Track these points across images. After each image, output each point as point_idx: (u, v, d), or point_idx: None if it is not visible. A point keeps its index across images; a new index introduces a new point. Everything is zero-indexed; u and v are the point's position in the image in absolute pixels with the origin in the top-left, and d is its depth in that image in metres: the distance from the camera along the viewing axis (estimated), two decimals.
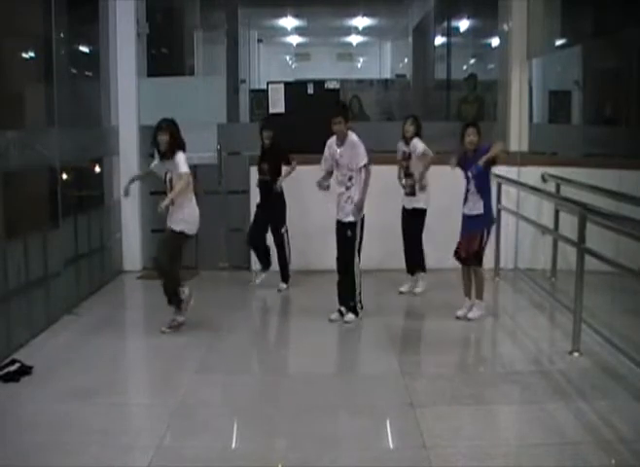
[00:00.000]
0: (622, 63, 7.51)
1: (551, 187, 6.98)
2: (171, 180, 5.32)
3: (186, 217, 5.39)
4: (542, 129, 8.08)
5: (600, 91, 8.08)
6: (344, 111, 5.76)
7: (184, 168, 5.26)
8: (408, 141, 6.37)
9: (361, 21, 13.44)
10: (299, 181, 6.58)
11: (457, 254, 5.67)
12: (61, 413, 4.04)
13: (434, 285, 6.64)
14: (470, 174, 5.52)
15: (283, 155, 6.55)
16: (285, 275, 6.70)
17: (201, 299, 6.46)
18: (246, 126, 8.68)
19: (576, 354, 4.88)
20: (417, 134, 6.37)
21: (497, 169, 7.27)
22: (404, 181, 6.42)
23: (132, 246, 7.51)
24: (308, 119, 6.80)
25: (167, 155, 5.30)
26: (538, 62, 8.01)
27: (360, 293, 5.68)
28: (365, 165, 5.52)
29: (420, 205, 6.38)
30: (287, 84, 7.78)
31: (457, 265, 5.70)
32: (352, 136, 5.58)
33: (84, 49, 7.39)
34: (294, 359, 5.08)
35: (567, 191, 6.56)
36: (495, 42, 9.06)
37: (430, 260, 6.84)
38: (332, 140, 5.67)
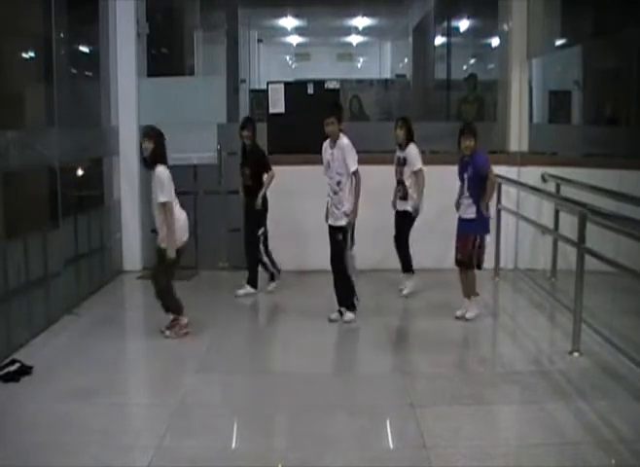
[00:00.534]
0: (622, 63, 7.51)
1: (551, 187, 6.98)
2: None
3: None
4: (542, 129, 8.08)
5: (600, 91, 8.08)
6: (338, 111, 5.69)
7: (165, 197, 5.11)
8: (402, 147, 6.33)
9: (361, 21, 13.44)
10: (297, 181, 6.58)
11: (456, 259, 5.68)
12: (61, 413, 4.04)
13: (433, 285, 6.64)
14: (465, 177, 5.53)
15: (263, 162, 6.42)
16: (272, 275, 6.64)
17: (201, 299, 6.49)
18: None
19: (576, 354, 4.88)
20: (411, 138, 6.31)
21: (497, 169, 7.27)
22: (396, 188, 6.43)
23: (132, 246, 7.52)
24: (308, 119, 6.79)
25: (150, 165, 5.21)
26: (538, 62, 8.00)
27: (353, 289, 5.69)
28: (354, 172, 5.46)
29: (409, 208, 6.33)
30: (287, 84, 7.77)
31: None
32: (343, 139, 5.53)
33: (84, 49, 7.40)
34: (294, 359, 5.07)
35: (567, 191, 6.56)
36: (495, 42, 9.06)
37: (429, 260, 6.86)
38: (326, 143, 5.63)
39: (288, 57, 15.03)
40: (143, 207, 7.47)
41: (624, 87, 7.34)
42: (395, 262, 6.55)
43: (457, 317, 5.67)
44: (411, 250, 6.46)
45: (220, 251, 7.56)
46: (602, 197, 5.74)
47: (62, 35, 6.23)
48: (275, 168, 6.48)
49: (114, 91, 7.30)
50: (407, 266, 6.50)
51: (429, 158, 7.63)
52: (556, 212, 6.65)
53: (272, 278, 6.67)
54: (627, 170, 6.10)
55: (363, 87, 11.45)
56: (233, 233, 7.42)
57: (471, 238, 5.53)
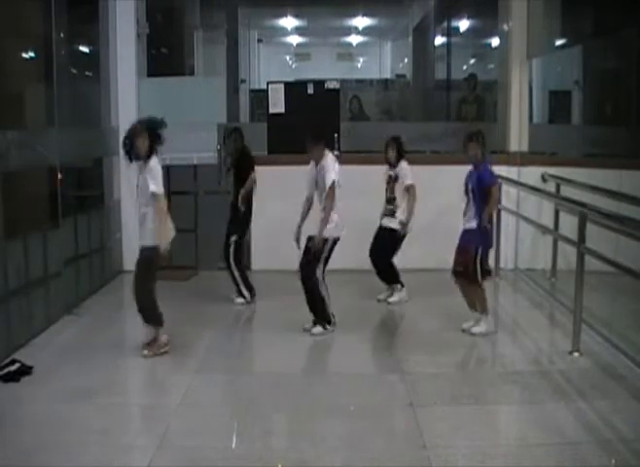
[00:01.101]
0: (622, 63, 7.51)
1: (551, 187, 6.97)
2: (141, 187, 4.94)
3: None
4: (542, 129, 8.08)
5: (600, 91, 8.08)
6: (320, 136, 5.45)
7: (157, 188, 4.84)
8: (393, 165, 6.13)
9: (361, 21, 13.45)
10: (298, 181, 6.56)
11: (453, 270, 5.39)
12: (61, 413, 4.04)
13: (433, 286, 6.63)
14: (469, 187, 5.30)
15: (245, 170, 6.22)
16: (238, 290, 6.29)
17: (201, 299, 6.49)
18: (246, 126, 8.68)
19: (576, 354, 4.88)
20: (401, 156, 6.12)
21: (497, 169, 7.27)
22: (385, 206, 6.20)
23: (132, 246, 7.46)
24: (308, 119, 6.79)
25: (144, 158, 4.89)
26: (538, 62, 8.01)
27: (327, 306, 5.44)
28: (330, 185, 5.24)
29: (396, 226, 6.09)
30: (287, 84, 7.78)
31: None
32: (327, 156, 5.35)
33: (84, 49, 7.40)
34: (294, 359, 5.07)
35: (567, 191, 6.55)
36: (495, 42, 9.07)
37: (430, 260, 6.85)
38: (311, 164, 5.48)
39: (288, 57, 15.05)
40: None
41: (624, 87, 7.34)
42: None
43: (463, 330, 5.39)
44: (411, 250, 6.39)
45: (220, 251, 7.55)
46: (602, 197, 5.74)
47: (62, 35, 6.24)
48: (275, 168, 6.48)
49: (114, 91, 7.29)
50: (393, 279, 6.25)
51: (429, 158, 7.65)
52: (556, 212, 6.64)
53: (241, 294, 6.30)
54: (627, 170, 6.10)
55: (363, 87, 11.48)
56: None
57: (469, 251, 5.25)
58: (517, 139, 7.55)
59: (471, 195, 5.30)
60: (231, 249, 6.25)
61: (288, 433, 4.04)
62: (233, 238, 6.25)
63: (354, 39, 14.74)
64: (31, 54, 6.04)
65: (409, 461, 3.51)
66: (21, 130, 5.46)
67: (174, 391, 4.40)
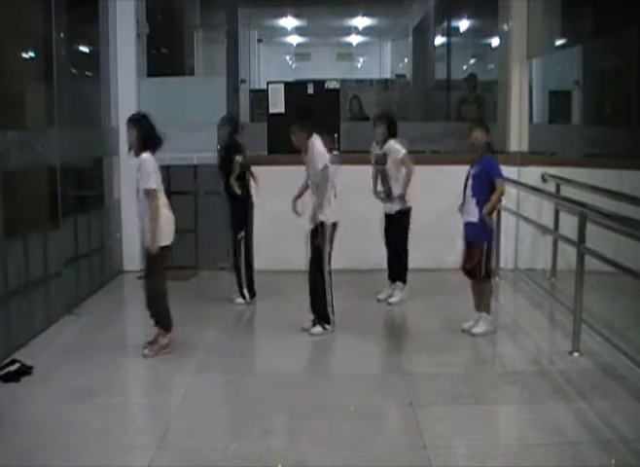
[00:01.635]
0: (622, 63, 7.51)
1: (551, 187, 6.97)
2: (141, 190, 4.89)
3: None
4: (542, 129, 8.08)
5: (600, 91, 8.08)
6: (303, 118, 5.36)
7: (149, 184, 4.81)
8: (382, 144, 5.99)
9: (361, 21, 13.45)
10: (298, 181, 6.56)
11: (463, 267, 5.36)
12: (61, 413, 4.04)
13: (433, 286, 6.64)
14: (471, 173, 5.22)
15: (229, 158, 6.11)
16: (240, 289, 6.23)
17: (201, 299, 6.49)
18: (246, 126, 8.68)
19: (576, 354, 4.88)
20: (392, 135, 5.97)
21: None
22: (379, 187, 6.08)
23: (132, 246, 7.50)
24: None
25: (136, 152, 4.91)
26: (538, 62, 8.01)
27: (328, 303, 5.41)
28: (322, 168, 5.20)
29: (401, 206, 6.00)
30: (287, 84, 7.78)
31: (456, 265, 5.64)
32: (314, 143, 5.27)
33: (84, 49, 7.40)
34: (294, 359, 5.07)
35: (567, 191, 6.55)
36: (495, 42, 9.06)
37: (429, 260, 6.85)
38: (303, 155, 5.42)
39: (288, 57, 15.05)
40: None
41: (624, 87, 7.34)
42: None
43: (463, 330, 5.38)
44: (411, 250, 6.29)
45: (220, 251, 7.55)
46: (602, 197, 5.74)
47: (62, 35, 6.23)
48: (275, 168, 6.47)
49: (114, 91, 7.29)
50: (402, 275, 6.21)
51: (429, 158, 7.65)
52: (556, 212, 6.64)
53: (242, 295, 6.25)
54: (627, 170, 6.10)
55: (363, 87, 11.47)
56: None
57: (477, 250, 5.21)
58: (517, 139, 7.55)
59: (472, 182, 5.17)
60: (242, 246, 6.20)
61: (288, 433, 4.04)
62: (241, 235, 6.18)
63: (354, 39, 14.74)
64: (31, 54, 6.04)
65: (409, 461, 3.51)
66: (21, 130, 5.46)
67: (174, 391, 4.40)
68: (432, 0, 11.40)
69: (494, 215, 5.51)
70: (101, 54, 7.19)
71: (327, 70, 13.09)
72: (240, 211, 6.21)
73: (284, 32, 14.08)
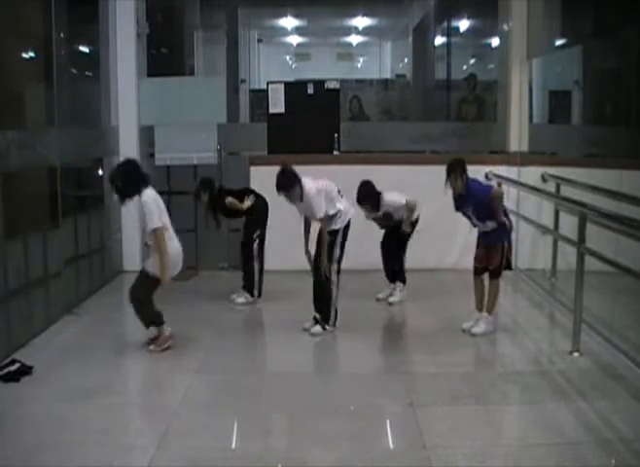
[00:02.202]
0: (621, 63, 7.50)
1: (551, 187, 6.97)
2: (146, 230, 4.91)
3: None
4: (542, 129, 8.08)
5: (600, 91, 8.08)
6: (289, 182, 5.22)
7: (154, 224, 4.84)
8: (375, 212, 6.03)
9: (361, 21, 13.44)
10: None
11: (481, 269, 5.37)
12: (61, 413, 4.04)
13: (433, 286, 6.64)
14: (469, 213, 5.28)
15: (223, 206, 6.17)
16: (249, 287, 6.28)
17: (202, 299, 6.49)
18: (246, 126, 8.69)
19: (576, 354, 4.88)
20: (377, 207, 5.99)
21: (497, 169, 7.30)
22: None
23: (132, 246, 7.51)
24: (308, 119, 6.79)
25: (130, 196, 4.90)
26: (538, 62, 8.00)
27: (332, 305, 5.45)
28: (322, 218, 5.26)
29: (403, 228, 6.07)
30: (287, 84, 7.78)
31: (456, 265, 5.66)
32: (308, 190, 5.23)
33: (84, 49, 7.40)
34: (294, 359, 5.07)
35: (567, 191, 6.55)
36: (495, 42, 9.06)
37: (429, 260, 6.85)
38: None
39: (288, 57, 15.04)
40: None
41: (624, 87, 7.34)
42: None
43: (463, 330, 5.39)
44: (411, 250, 6.31)
45: (220, 251, 7.56)
46: (602, 197, 5.74)
47: (62, 35, 6.23)
48: (275, 168, 6.42)
49: (114, 91, 7.30)
50: (400, 275, 6.26)
51: (429, 158, 7.65)
52: (556, 212, 6.64)
53: (249, 292, 6.29)
54: (627, 170, 6.09)
55: (363, 87, 11.47)
56: (233, 234, 7.40)
57: (498, 249, 5.24)
58: (517, 139, 7.55)
59: (476, 217, 5.24)
60: (255, 245, 6.24)
61: (288, 433, 4.04)
62: (257, 233, 6.23)
63: (354, 39, 14.73)
64: (31, 54, 6.03)
65: (409, 461, 3.51)
66: (21, 130, 5.46)
67: (174, 391, 4.40)
68: (432, 0, 11.40)
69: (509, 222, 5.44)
70: (101, 54, 7.19)
71: (327, 70, 13.09)
72: (253, 213, 6.24)
73: (284, 32, 14.08)
